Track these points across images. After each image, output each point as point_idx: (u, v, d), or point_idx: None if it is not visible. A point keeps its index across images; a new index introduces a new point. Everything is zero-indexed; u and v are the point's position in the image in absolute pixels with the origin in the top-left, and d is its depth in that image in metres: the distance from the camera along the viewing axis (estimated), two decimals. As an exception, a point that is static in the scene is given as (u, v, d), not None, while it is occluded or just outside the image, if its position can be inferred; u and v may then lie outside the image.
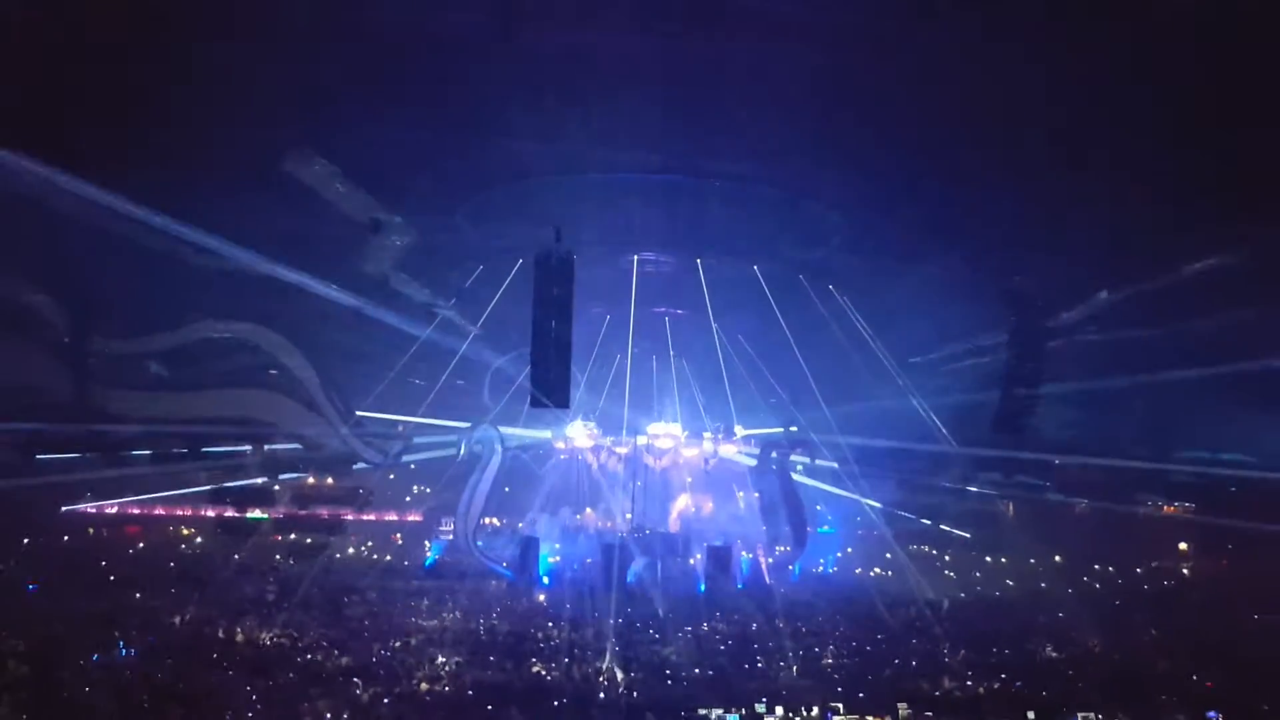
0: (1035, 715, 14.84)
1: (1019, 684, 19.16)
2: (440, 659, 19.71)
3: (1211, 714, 11.77)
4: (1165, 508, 39.17)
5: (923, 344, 28.50)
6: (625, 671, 18.96)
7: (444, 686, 17.24)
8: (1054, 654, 23.18)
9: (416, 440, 34.85)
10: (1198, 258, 21.35)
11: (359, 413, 31.78)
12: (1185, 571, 39.56)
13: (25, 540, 34.54)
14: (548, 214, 19.96)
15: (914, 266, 24.91)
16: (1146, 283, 23.14)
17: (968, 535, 39.22)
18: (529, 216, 20.79)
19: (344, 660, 19.21)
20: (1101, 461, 32.66)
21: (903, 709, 14.22)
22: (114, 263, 20.11)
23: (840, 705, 14.37)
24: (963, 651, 22.80)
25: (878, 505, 38.79)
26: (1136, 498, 36.70)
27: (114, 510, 39.61)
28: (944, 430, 29.59)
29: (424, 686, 17.15)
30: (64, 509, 36.96)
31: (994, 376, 25.48)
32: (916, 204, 21.87)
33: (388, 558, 39.26)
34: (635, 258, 26.33)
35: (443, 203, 21.15)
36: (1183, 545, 40.67)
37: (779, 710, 13.42)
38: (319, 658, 19.42)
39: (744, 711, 13.18)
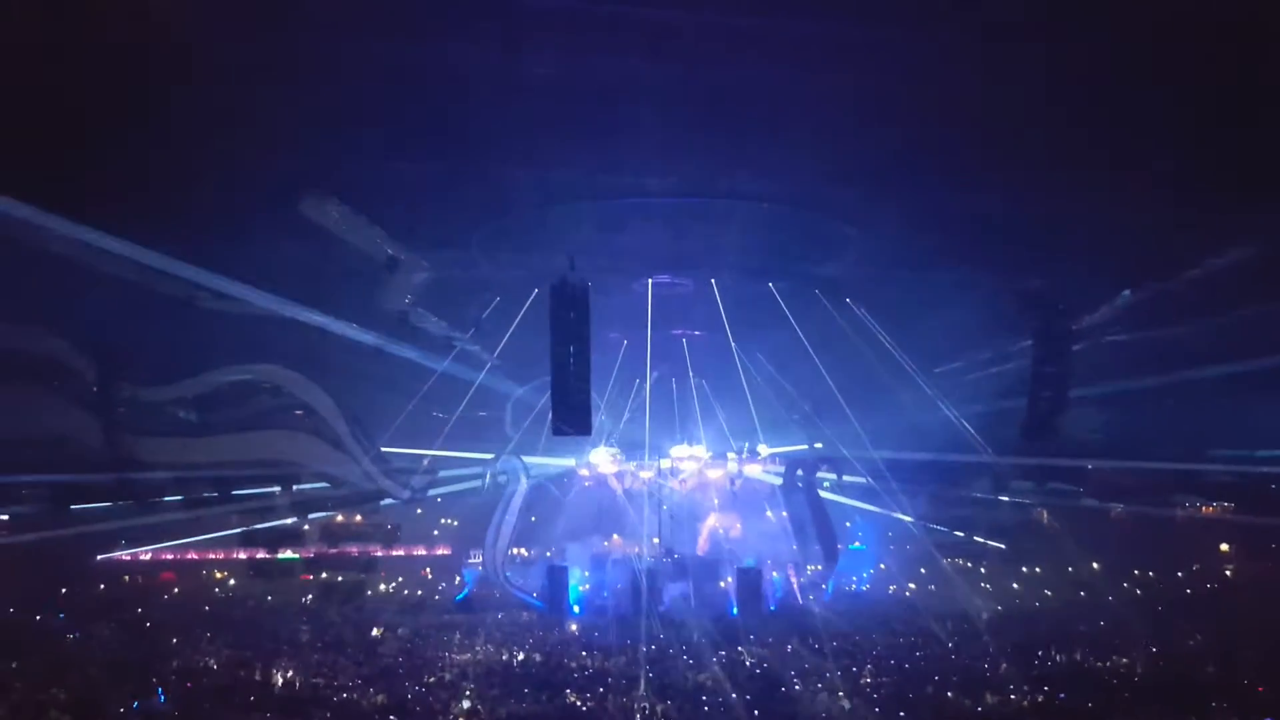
0: (1081, 728, 14.46)
1: (1063, 695, 18.75)
2: (475, 692, 19.63)
3: (1270, 720, 11.39)
4: (1204, 508, 38.47)
5: (947, 353, 28.29)
6: (661, 699, 18.78)
7: (479, 720, 17.12)
8: (1097, 663, 22.70)
9: (441, 473, 35.00)
10: (1227, 250, 21.07)
11: (383, 449, 32.01)
12: (1228, 573, 38.78)
13: (63, 590, 35.00)
14: (561, 242, 20.05)
15: (934, 274, 24.75)
16: (1174, 278, 22.85)
17: (1002, 546, 38.65)
18: (543, 245, 20.89)
19: (379, 699, 19.18)
20: (1136, 464, 32.12)
21: (944, 727, 13.90)
22: (136, 311, 20.41)
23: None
24: (1004, 664, 22.40)
25: (908, 519, 38.40)
26: (1174, 500, 36.06)
27: (147, 557, 40.03)
28: (973, 439, 29.25)
29: (459, 721, 17.03)
30: (99, 557, 37.44)
31: (1021, 382, 25.19)
32: (933, 211, 21.73)
33: (419, 593, 39.37)
34: (650, 281, 26.37)
35: (456, 235, 21.31)
36: (1224, 546, 39.89)
37: (818, 733, 13.14)
38: (354, 696, 19.42)
39: (783, 736, 12.93)
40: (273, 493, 33.43)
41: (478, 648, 25.71)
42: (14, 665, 21.53)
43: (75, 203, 16.27)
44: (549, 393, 20.05)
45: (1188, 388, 25.31)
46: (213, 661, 23.04)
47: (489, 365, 27.25)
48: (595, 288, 19.95)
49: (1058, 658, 23.34)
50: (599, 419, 25.84)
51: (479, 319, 25.06)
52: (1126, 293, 25.17)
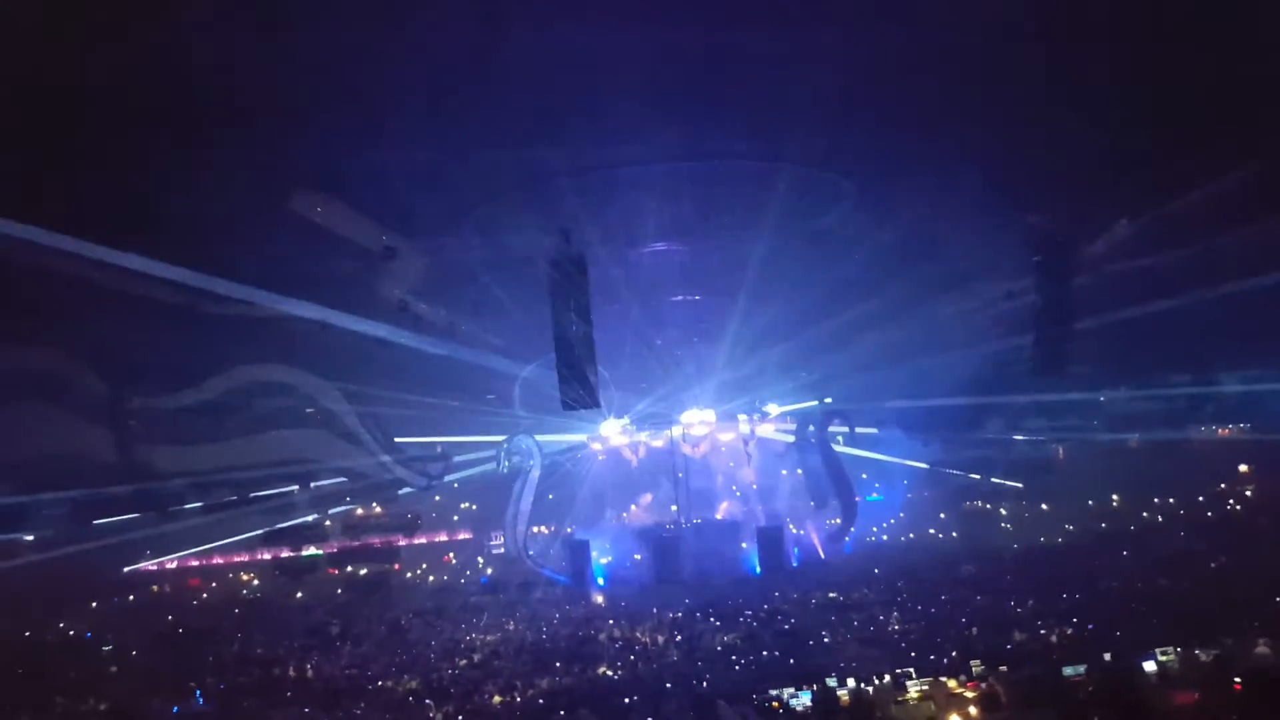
0: (1111, 657, 14.49)
1: (1090, 627, 18.76)
2: (507, 670, 19.79)
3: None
4: (1220, 430, 38.39)
5: (952, 296, 28.03)
6: (691, 662, 18.91)
7: (514, 696, 17.25)
8: (1122, 594, 22.72)
9: (456, 459, 35.13)
10: (1229, 170, 20.81)
11: (397, 439, 32.09)
12: (1248, 493, 38.75)
13: (93, 604, 35.36)
14: (556, 217, 19.89)
15: (935, 218, 24.49)
16: (1176, 202, 22.60)
17: (1020, 485, 38.69)
18: (538, 222, 20.73)
19: (413, 684, 19.33)
20: (1149, 392, 32.00)
21: (976, 666, 13.97)
22: (140, 321, 20.39)
23: (912, 670, 14.14)
24: (1030, 601, 22.50)
25: (924, 466, 38.46)
26: (1189, 424, 35.93)
27: (173, 565, 40.39)
28: (983, 380, 29.13)
29: (495, 700, 17.18)
30: (125, 569, 37.74)
31: (1028, 319, 24.99)
32: (933, 154, 21.48)
33: (444, 578, 39.68)
34: (651, 248, 26.15)
35: (451, 220, 21.17)
36: (1243, 467, 39.84)
37: (850, 682, 13.23)
38: (388, 684, 19.57)
39: (815, 687, 13.01)
40: (291, 491, 33.61)
41: (507, 626, 25.92)
42: (53, 681, 21.76)
43: (73, 217, 16.21)
44: (555, 371, 20.05)
45: (1194, 312, 25.13)
46: (246, 662, 23.12)
47: (494, 348, 27.16)
48: (594, 260, 19.80)
49: (1083, 591, 23.28)
50: (607, 392, 25.78)
51: (480, 302, 24.94)
52: (1125, 221, 24.94)
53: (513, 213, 20.72)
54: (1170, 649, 13.60)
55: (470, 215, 21.16)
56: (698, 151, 21.05)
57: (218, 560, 42.13)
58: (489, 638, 24.41)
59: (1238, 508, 37.44)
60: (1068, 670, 12.91)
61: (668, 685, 16.90)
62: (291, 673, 21.57)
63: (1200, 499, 38.27)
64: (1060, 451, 38.42)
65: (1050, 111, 19.27)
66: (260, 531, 35.89)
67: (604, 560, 33.96)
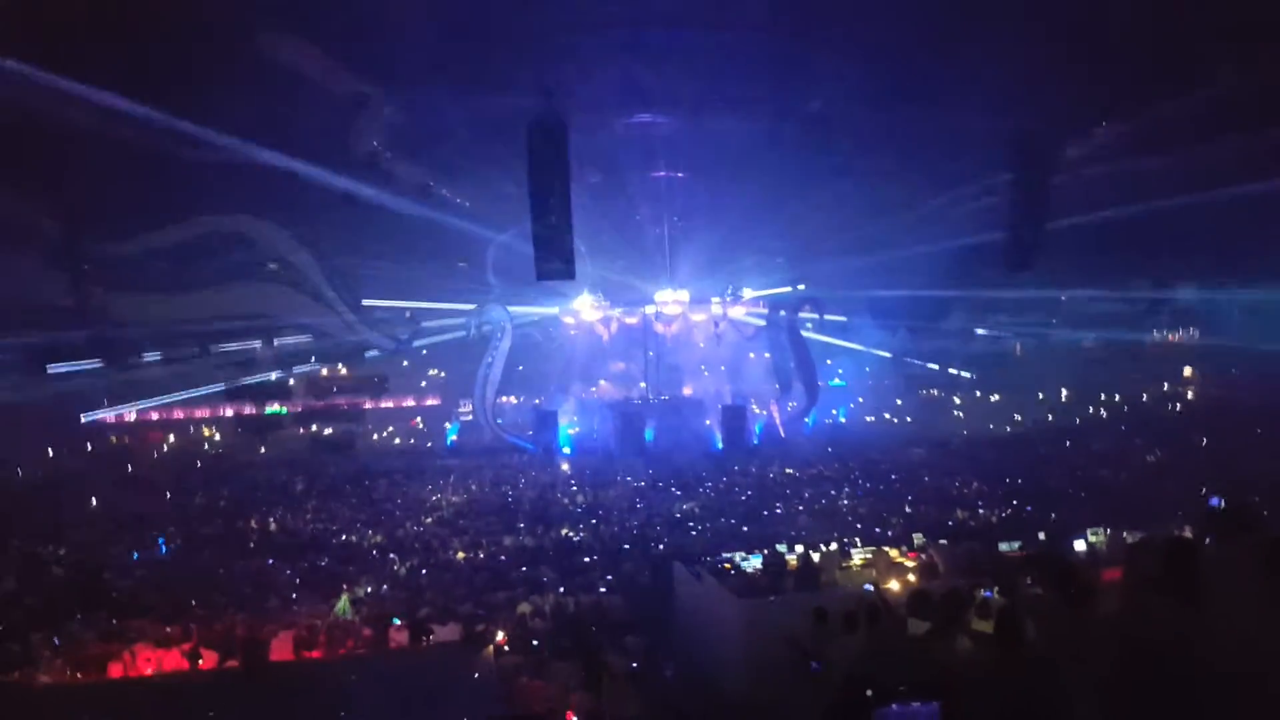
0: (1045, 536, 15.30)
1: (1029, 509, 19.72)
2: (472, 529, 20.37)
3: (1214, 500, 12.05)
4: (1171, 336, 39.61)
5: (928, 188, 28.03)
6: (650, 526, 19.64)
7: (478, 553, 17.86)
8: (1061, 481, 23.80)
9: (426, 324, 35.07)
10: (1207, 81, 20.70)
11: (365, 300, 31.82)
12: (1190, 396, 40.32)
13: (49, 451, 35.38)
14: (539, 77, 19.26)
15: (914, 109, 24.19)
16: (1153, 110, 22.56)
17: (975, 376, 39.84)
18: (520, 81, 20.06)
19: (379, 539, 19.75)
20: (1108, 294, 32.70)
21: (918, 539, 14.70)
22: (103, 162, 19.66)
23: (858, 540, 14.83)
24: (974, 484, 23.54)
25: (887, 355, 39.29)
26: (1141, 328, 36.99)
27: (133, 416, 40.37)
28: (951, 274, 29.48)
29: (460, 555, 17.75)
30: (83, 418, 37.63)
31: (997, 216, 25.16)
32: (917, 42, 21.05)
33: (411, 441, 40.27)
34: (633, 120, 25.55)
35: (431, 70, 20.39)
36: (1187, 371, 41.34)
37: (799, 549, 13.89)
38: (354, 539, 19.96)
39: (766, 552, 13.65)
40: (255, 347, 33.43)
41: (473, 487, 26.53)
42: (10, 525, 21.86)
43: (38, 47, 15.34)
44: (531, 238, 19.73)
45: (1157, 220, 25.45)
46: (209, 515, 23.44)
47: (469, 212, 26.69)
48: (575, 128, 19.29)
49: (1025, 477, 24.34)
50: (582, 265, 25.67)
51: (456, 162, 24.29)
52: (1103, 124, 24.86)
53: (495, 69, 20.01)
54: (1100, 530, 14.32)
55: (451, 69, 20.38)
56: (689, 22, 20.42)
57: (179, 414, 42.20)
58: (454, 498, 24.96)
59: (1178, 407, 39.07)
60: (1003, 546, 13.58)
61: (626, 546, 17.59)
62: (254, 525, 21.85)
63: (1144, 398, 39.80)
64: (1017, 347, 39.48)
65: (1037, 7, 18.88)
66: (223, 386, 35.91)
67: (571, 431, 34.63)
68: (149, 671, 11.03)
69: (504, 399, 37.07)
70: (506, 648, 11.37)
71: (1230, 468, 22.80)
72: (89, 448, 38.55)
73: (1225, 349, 35.28)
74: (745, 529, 18.68)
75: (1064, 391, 41.14)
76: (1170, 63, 20.04)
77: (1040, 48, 20.54)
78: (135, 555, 18.66)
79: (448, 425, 37.71)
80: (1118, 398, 40.09)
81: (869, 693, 5.80)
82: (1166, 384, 41.47)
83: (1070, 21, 19.21)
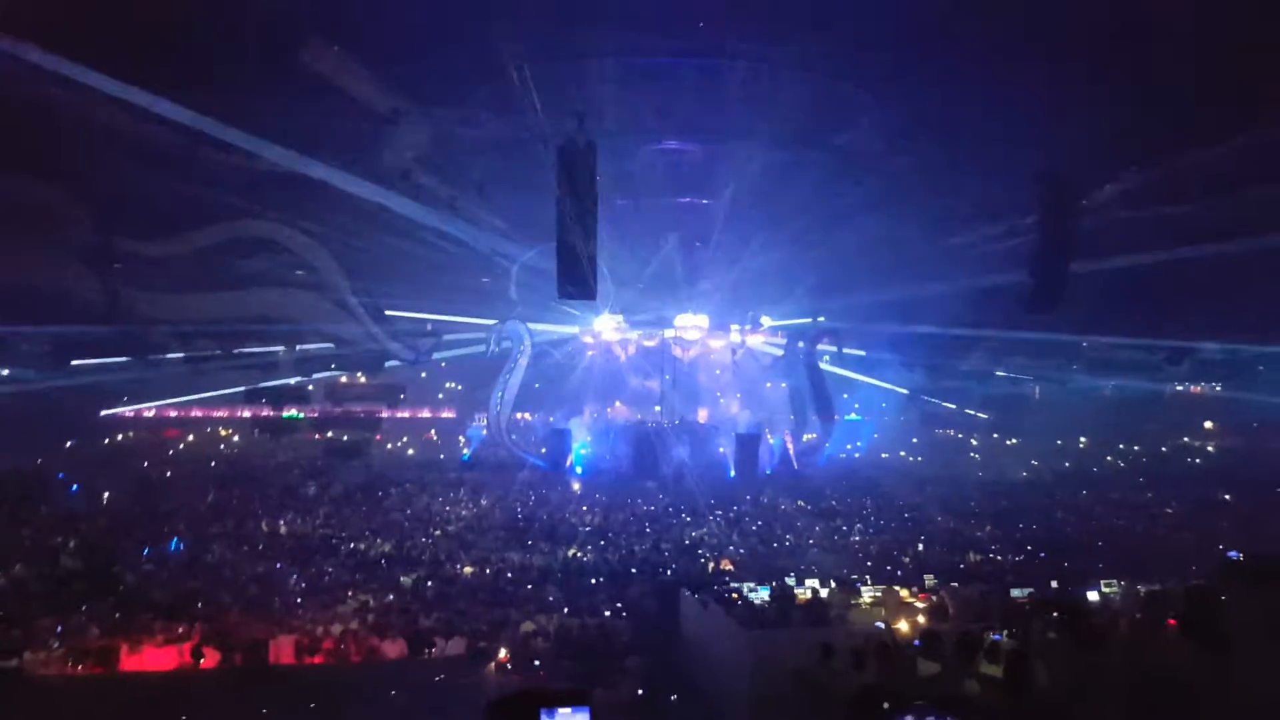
0: (1058, 583, 15.14)
1: (1043, 555, 19.51)
2: (480, 544, 20.34)
3: (1232, 554, 11.84)
4: (1193, 388, 39.24)
5: (952, 227, 27.94)
6: (658, 551, 19.54)
7: (485, 570, 17.82)
8: (1077, 529, 23.55)
9: (446, 338, 35.25)
10: (1232, 131, 20.58)
11: (388, 311, 32.03)
12: (1209, 449, 39.87)
13: (68, 444, 35.73)
14: (569, 102, 19.45)
15: (940, 147, 24.22)
16: (1186, 157, 22.41)
17: (993, 418, 39.58)
18: (550, 105, 20.26)
19: (386, 548, 19.78)
20: (1130, 341, 32.40)
21: (929, 579, 14.56)
22: (134, 161, 19.94)
23: (868, 578, 14.72)
24: (988, 527, 23.31)
25: (904, 391, 39.11)
26: (1163, 378, 36.60)
27: (151, 413, 40.79)
28: (972, 314, 29.33)
29: (466, 570, 17.72)
30: (102, 413, 38.03)
31: (1021, 258, 25.01)
32: (946, 79, 21.09)
33: (425, 453, 40.38)
34: (659, 147, 25.72)
35: (463, 90, 20.66)
36: (1208, 424, 40.91)
37: (808, 583, 13.78)
38: (361, 547, 19.99)
39: (774, 584, 13.56)
40: (276, 351, 33.69)
41: (483, 502, 26.52)
42: (25, 514, 22.06)
43: (70, 43, 15.63)
44: (554, 258, 19.85)
45: (1186, 267, 25.25)
46: (221, 514, 23.55)
47: (494, 228, 26.85)
48: (603, 152, 19.44)
49: (1040, 523, 24.10)
50: (604, 287, 25.77)
51: (484, 179, 24.50)
52: (1134, 169, 24.72)
53: (527, 91, 20.25)
54: (1114, 582, 14.15)
55: (485, 89, 20.64)
56: (715, 51, 20.57)
57: (197, 413, 42.70)
58: (464, 512, 24.98)
59: (1197, 461, 38.61)
60: (1015, 591, 13.43)
61: (633, 570, 17.50)
62: (265, 528, 21.92)
63: (1163, 449, 39.36)
64: (1036, 391, 39.19)
65: (1069, 49, 18.87)
66: (242, 389, 36.19)
67: (584, 451, 34.61)
68: (151, 666, 11.06)
69: (519, 415, 37.15)
70: (509, 665, 11.34)
71: (1250, 521, 22.51)
72: (106, 442, 38.94)
73: (1248, 402, 34.93)
74: (754, 560, 18.51)
75: (1082, 439, 40.78)
76: (1207, 106, 19.93)
77: (1072, 88, 20.53)
78: (145, 550, 18.70)
79: (462, 439, 37.79)
80: (1137, 448, 39.69)
81: (884, 705, 5.74)
82: (1187, 436, 41.06)
83: (1103, 62, 19.18)
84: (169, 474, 31.81)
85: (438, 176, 23.72)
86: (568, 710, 4.77)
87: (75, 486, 27.33)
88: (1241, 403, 35.85)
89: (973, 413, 39.89)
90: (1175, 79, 18.93)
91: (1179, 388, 38.80)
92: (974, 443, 41.77)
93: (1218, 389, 38.69)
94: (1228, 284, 26.36)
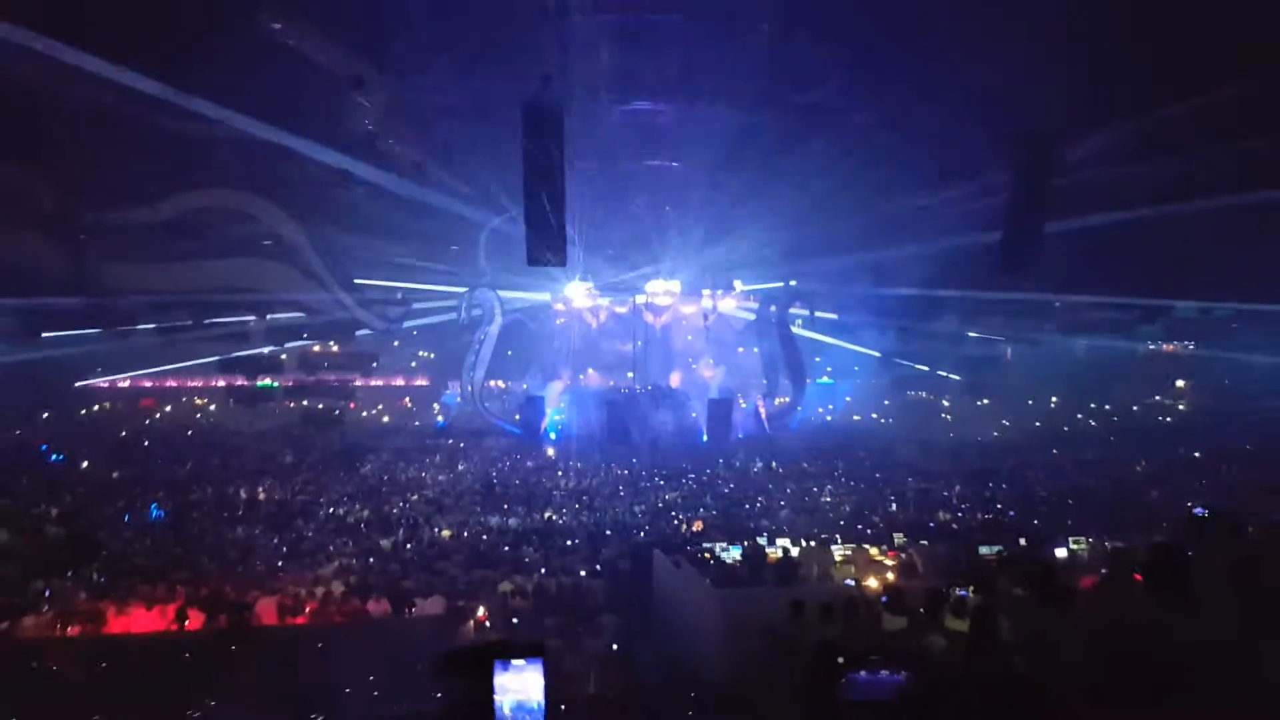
0: (1026, 541, 15.44)
1: (1011, 514, 19.85)
2: (457, 508, 20.44)
3: (1198, 510, 12.10)
4: (1166, 346, 39.66)
5: (925, 187, 27.95)
6: (632, 514, 19.73)
7: (464, 532, 17.95)
8: (1046, 488, 23.91)
9: (416, 306, 35.09)
10: (1208, 87, 20.62)
11: (357, 280, 31.80)
12: (1181, 407, 40.51)
13: (45, 415, 35.45)
14: (535, 62, 19.20)
15: (913, 106, 24.10)
16: (1160, 113, 22.44)
17: (965, 379, 39.94)
18: (515, 66, 19.99)
19: (365, 513, 19.87)
20: (1103, 300, 32.65)
21: (898, 538, 14.80)
22: (99, 131, 19.59)
23: (838, 536, 14.94)
24: (957, 487, 23.66)
25: (876, 354, 39.37)
26: (1136, 337, 36.99)
27: (126, 384, 40.46)
28: (945, 275, 29.47)
29: (445, 533, 17.84)
30: (76, 384, 37.69)
31: (993, 217, 25.09)
32: (917, 36, 20.96)
33: (399, 420, 40.34)
34: (628, 107, 25.45)
35: (426, 52, 20.32)
36: (1180, 383, 41.50)
37: (779, 542, 13.98)
38: (340, 512, 20.09)
39: (746, 544, 13.75)
40: (247, 321, 33.45)
41: (460, 468, 26.63)
42: (6, 483, 22.03)
43: (28, 12, 15.23)
44: (523, 226, 19.71)
45: (1158, 227, 25.42)
46: (200, 482, 23.52)
47: (462, 195, 26.58)
48: (570, 114, 19.22)
49: (1010, 482, 24.47)
50: (574, 253, 25.58)
51: (449, 144, 24.19)
52: (1108, 127, 24.77)
53: (491, 52, 19.96)
54: (1082, 539, 14.44)
55: (448, 51, 20.32)
56: (682, 8, 20.33)
57: (171, 383, 42.39)
58: (441, 478, 25.07)
59: (1168, 419, 39.27)
60: (983, 549, 13.69)
61: (608, 532, 17.68)
62: (244, 494, 21.95)
63: (1135, 408, 39.96)
64: (1008, 351, 39.56)
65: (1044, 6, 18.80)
66: (215, 358, 35.93)
67: (557, 417, 34.70)
68: (137, 629, 11.17)
69: (492, 383, 37.13)
70: (488, 623, 11.51)
71: (1218, 479, 22.98)
72: (83, 413, 38.66)
73: (1220, 360, 35.43)
74: (727, 521, 18.70)
75: (1054, 399, 41.31)
76: (1180, 62, 19.91)
77: (1045, 44, 20.42)
78: (126, 518, 18.76)
79: (436, 407, 37.75)
80: (1108, 407, 40.26)
81: (840, 659, 5.88)
82: (1159, 395, 41.67)
83: (1076, 18, 19.12)
84: (147, 443, 31.67)
85: (403, 142, 23.42)
86: (522, 662, 4.86)
87: (56, 456, 27.23)
88: (1214, 361, 36.32)
89: (945, 374, 40.23)
90: (1149, 33, 18.92)
91: (1152, 346, 39.24)
92: (946, 404, 42.19)
93: (1190, 347, 39.15)
94: (1202, 242, 26.57)
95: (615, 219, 31.71)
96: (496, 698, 4.82)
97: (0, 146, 20.21)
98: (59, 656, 10.28)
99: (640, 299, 36.28)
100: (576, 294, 35.86)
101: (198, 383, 42.49)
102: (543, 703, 4.86)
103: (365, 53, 20.15)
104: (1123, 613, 7.80)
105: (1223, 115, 20.70)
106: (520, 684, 4.88)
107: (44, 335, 30.81)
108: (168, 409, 42.48)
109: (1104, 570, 11.25)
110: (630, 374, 38.16)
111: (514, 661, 4.87)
